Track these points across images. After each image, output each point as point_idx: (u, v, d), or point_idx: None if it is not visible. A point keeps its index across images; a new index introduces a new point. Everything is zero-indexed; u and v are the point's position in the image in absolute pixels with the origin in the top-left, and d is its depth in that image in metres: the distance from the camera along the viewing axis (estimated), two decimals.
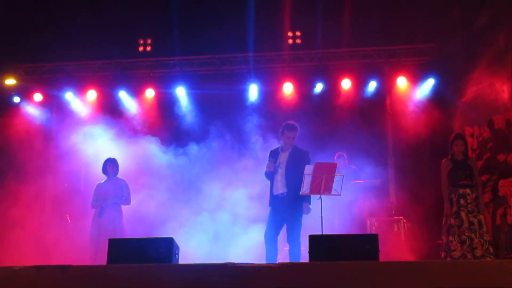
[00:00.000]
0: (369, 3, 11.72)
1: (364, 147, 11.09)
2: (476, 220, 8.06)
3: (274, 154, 8.11)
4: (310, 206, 7.94)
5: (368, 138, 11.41)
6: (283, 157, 8.04)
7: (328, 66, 12.27)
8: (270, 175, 8.07)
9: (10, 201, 10.83)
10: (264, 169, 8.15)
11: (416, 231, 10.26)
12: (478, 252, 7.88)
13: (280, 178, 7.97)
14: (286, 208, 7.85)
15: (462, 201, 8.16)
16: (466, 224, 8.04)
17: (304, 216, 7.96)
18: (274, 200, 7.99)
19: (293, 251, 7.81)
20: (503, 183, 9.65)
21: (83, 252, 9.52)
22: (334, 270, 5.14)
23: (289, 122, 8.18)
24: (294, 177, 7.86)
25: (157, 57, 12.71)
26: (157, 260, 5.76)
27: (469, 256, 7.89)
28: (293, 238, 7.83)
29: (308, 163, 7.91)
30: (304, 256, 7.74)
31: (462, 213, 8.10)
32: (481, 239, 7.97)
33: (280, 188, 7.95)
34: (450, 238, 8.11)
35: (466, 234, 8.00)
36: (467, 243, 7.96)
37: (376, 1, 11.73)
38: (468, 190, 8.20)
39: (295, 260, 7.65)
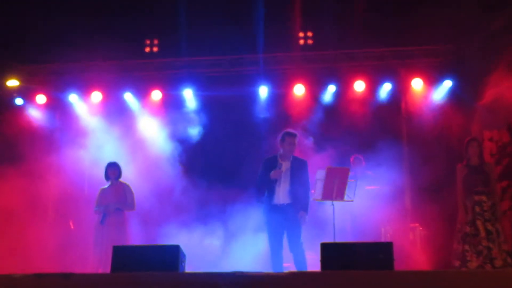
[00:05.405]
0: (383, 3, 11.67)
1: (378, 151, 11.03)
2: (494, 229, 7.99)
3: (273, 163, 8.08)
4: (307, 216, 7.93)
5: (382, 143, 11.34)
6: (284, 167, 8.04)
7: (340, 67, 12.22)
8: (266, 184, 8.04)
9: (11, 206, 10.83)
10: (255, 178, 8.18)
11: (432, 239, 10.20)
12: (498, 263, 7.80)
13: (282, 188, 7.97)
14: (286, 218, 7.86)
15: (477, 209, 8.09)
16: (483, 234, 7.97)
17: (314, 223, 7.96)
18: (274, 210, 7.99)
19: (298, 259, 7.83)
20: None
21: (86, 259, 9.52)
22: (346, 279, 5.11)
23: (288, 129, 8.25)
24: (297, 187, 7.90)
25: (164, 58, 12.70)
26: (163, 268, 5.74)
27: (487, 267, 7.80)
28: (295, 246, 7.85)
29: (307, 174, 7.94)
30: (315, 265, 7.71)
31: (478, 222, 8.04)
32: (499, 249, 7.90)
33: (282, 198, 7.97)
34: (466, 247, 8.04)
35: (483, 244, 7.93)
36: (484, 253, 7.89)
37: (390, 1, 11.69)
38: (484, 197, 8.13)
39: (301, 269, 7.64)
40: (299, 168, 8.04)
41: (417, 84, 11.92)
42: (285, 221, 7.87)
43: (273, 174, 7.95)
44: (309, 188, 8.06)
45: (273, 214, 7.96)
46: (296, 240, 7.86)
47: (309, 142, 11.40)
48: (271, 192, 8.01)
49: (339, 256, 5.88)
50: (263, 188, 8.13)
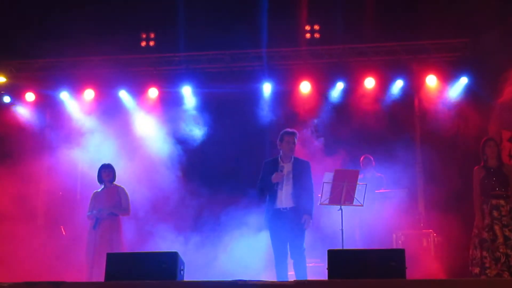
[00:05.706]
0: None
1: (389, 152, 11.05)
2: None
3: (274, 165, 8.08)
4: (311, 221, 7.93)
5: (394, 143, 11.37)
6: (286, 169, 8.03)
7: (349, 63, 12.23)
8: (267, 188, 8.05)
9: None
10: (257, 181, 8.18)
11: (447, 246, 10.21)
12: None
13: (285, 191, 7.96)
14: (288, 222, 7.86)
15: (495, 213, 8.11)
16: (500, 240, 7.99)
17: (321, 229, 7.96)
18: (276, 214, 7.96)
19: (298, 267, 7.83)
20: None
21: (79, 267, 9.54)
22: None
23: (287, 129, 8.22)
24: (299, 190, 7.90)
25: (161, 53, 12.71)
26: (160, 277, 5.75)
27: (505, 275, 7.82)
28: (297, 252, 7.85)
29: (310, 175, 7.92)
30: (322, 273, 7.74)
31: (496, 227, 8.05)
32: None
33: (285, 202, 7.95)
34: (484, 253, 8.06)
35: (501, 250, 7.94)
36: (502, 260, 7.91)
37: None
38: (502, 201, 8.15)
39: (301, 277, 7.64)
40: (301, 169, 8.02)
41: (431, 80, 11.90)
42: (288, 226, 7.88)
43: (274, 177, 7.94)
44: (312, 191, 8.06)
45: (275, 219, 7.95)
46: (298, 246, 7.86)
47: (318, 143, 11.43)
48: (273, 196, 8.00)
49: (347, 264, 5.89)
50: (265, 192, 8.13)
